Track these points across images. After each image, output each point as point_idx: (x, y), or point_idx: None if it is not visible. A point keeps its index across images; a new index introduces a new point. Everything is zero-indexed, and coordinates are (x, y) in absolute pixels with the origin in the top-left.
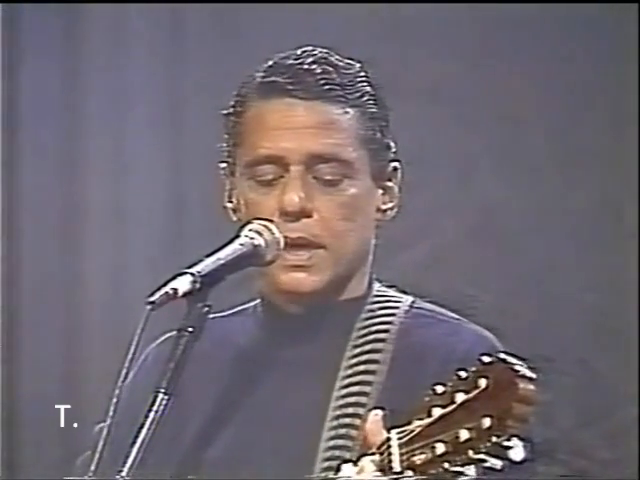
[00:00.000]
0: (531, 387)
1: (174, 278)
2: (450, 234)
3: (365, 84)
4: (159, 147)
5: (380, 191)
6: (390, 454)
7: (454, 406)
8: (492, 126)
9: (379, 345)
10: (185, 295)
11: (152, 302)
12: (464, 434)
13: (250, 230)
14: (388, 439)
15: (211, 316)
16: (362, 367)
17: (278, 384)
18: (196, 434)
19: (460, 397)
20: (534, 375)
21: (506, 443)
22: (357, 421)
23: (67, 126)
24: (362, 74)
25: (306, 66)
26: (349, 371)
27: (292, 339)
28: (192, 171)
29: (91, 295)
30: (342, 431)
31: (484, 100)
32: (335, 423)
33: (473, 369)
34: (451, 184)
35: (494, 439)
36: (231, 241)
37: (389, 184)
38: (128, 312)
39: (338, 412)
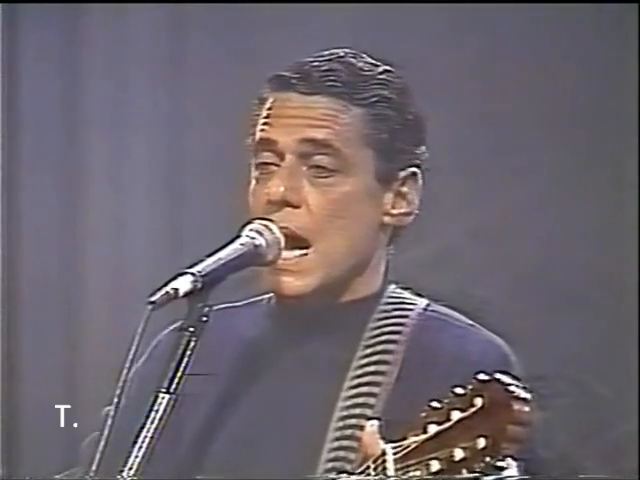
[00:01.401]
0: (526, 408)
1: (175, 278)
2: (454, 235)
3: (382, 86)
4: (159, 148)
5: (390, 194)
6: (385, 469)
7: (450, 423)
8: (494, 127)
9: (391, 346)
10: (186, 295)
11: (153, 302)
12: (459, 453)
13: (251, 230)
14: (383, 453)
15: (222, 306)
16: (372, 367)
17: (286, 380)
18: (201, 429)
19: (456, 415)
20: (529, 396)
21: (500, 463)
22: (364, 422)
23: (67, 127)
24: (382, 77)
25: (316, 63)
26: (359, 371)
27: (303, 335)
28: (193, 172)
29: (91, 295)
30: (348, 432)
31: (486, 101)
32: (341, 424)
33: (470, 387)
34: (454, 185)
35: (488, 459)
36: (232, 241)
37: (403, 189)
38: (128, 312)
39: (345, 412)
